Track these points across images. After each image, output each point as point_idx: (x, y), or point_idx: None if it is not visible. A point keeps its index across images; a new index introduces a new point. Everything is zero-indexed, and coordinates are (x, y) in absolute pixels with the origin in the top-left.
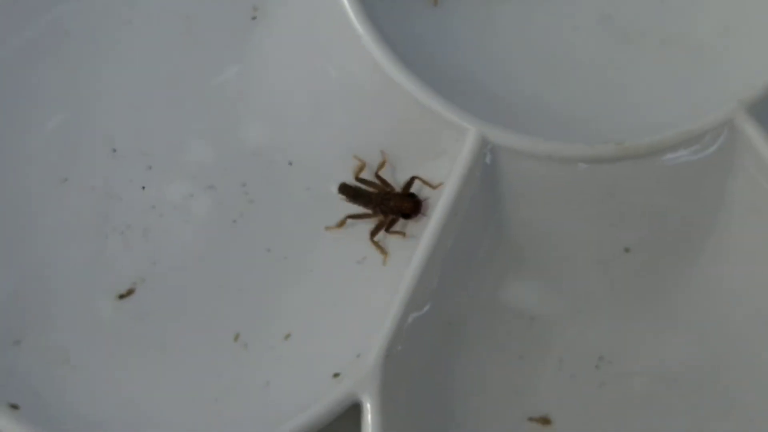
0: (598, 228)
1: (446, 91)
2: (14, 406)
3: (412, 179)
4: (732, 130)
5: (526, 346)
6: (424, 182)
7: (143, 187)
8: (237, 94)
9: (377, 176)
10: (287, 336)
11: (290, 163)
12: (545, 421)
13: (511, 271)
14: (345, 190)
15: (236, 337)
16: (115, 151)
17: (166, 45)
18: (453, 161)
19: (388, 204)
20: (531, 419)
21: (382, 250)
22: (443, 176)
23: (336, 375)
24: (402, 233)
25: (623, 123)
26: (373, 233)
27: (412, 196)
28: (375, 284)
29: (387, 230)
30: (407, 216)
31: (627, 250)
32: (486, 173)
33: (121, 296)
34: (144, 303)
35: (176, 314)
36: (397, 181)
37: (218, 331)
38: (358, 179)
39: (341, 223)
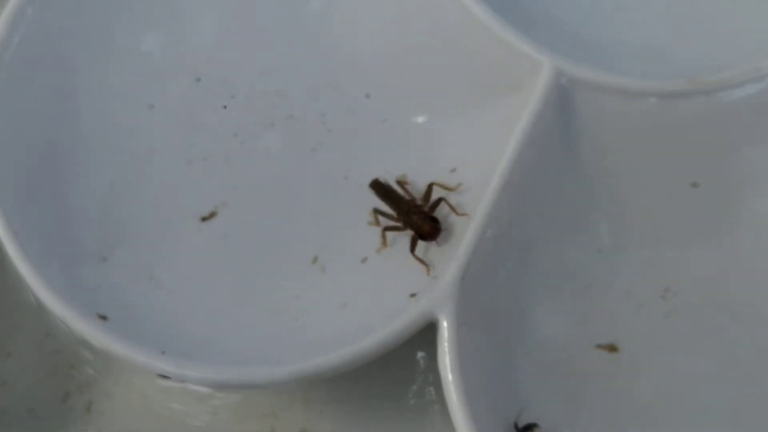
0: (666, 162)
1: (522, 26)
2: (103, 317)
3: (439, 200)
4: None
5: (594, 275)
6: (452, 207)
7: (226, 115)
8: (319, 27)
9: (403, 188)
10: (364, 260)
11: (367, 96)
12: (612, 348)
13: (581, 202)
14: (376, 186)
15: (314, 260)
16: (198, 80)
17: None
18: (526, 95)
19: (412, 217)
20: (599, 346)
21: (424, 262)
22: (519, 110)
23: (413, 295)
24: (425, 263)
25: (694, 60)
26: (411, 248)
27: (435, 220)
28: (449, 211)
29: (412, 251)
30: (422, 237)
31: (694, 185)
32: (560, 106)
33: (204, 219)
34: (225, 226)
35: (256, 237)
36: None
37: (297, 254)
38: (397, 182)
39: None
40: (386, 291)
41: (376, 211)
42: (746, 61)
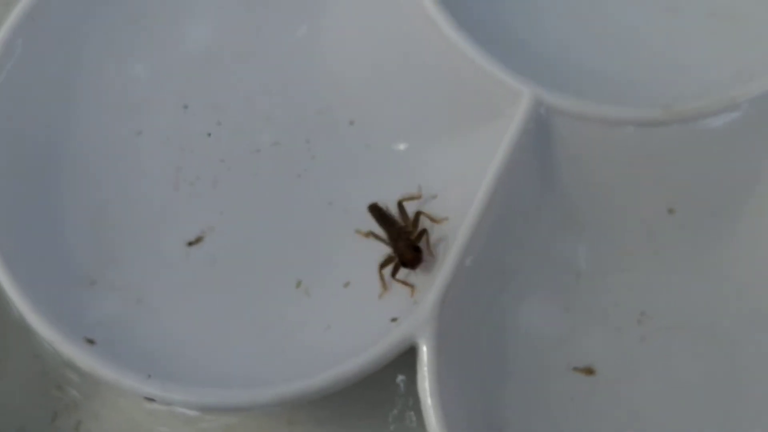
0: (644, 189)
1: (502, 56)
2: (90, 341)
3: (418, 214)
4: None
5: (572, 299)
6: (430, 218)
7: (213, 142)
8: (305, 54)
9: (400, 205)
10: (347, 284)
11: (351, 123)
12: (589, 371)
13: (560, 227)
14: (373, 210)
15: (298, 284)
16: (186, 107)
17: (238, 3)
18: (509, 123)
19: (398, 243)
20: (575, 369)
21: (407, 284)
22: (499, 137)
23: (394, 320)
24: (408, 284)
25: (670, 89)
26: (382, 265)
27: (418, 250)
28: (430, 237)
29: (393, 275)
30: (404, 264)
31: (671, 211)
32: (539, 134)
33: (190, 243)
34: (212, 250)
35: (242, 261)
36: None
37: (282, 278)
38: (399, 203)
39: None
40: (368, 315)
41: (372, 234)
42: (722, 89)
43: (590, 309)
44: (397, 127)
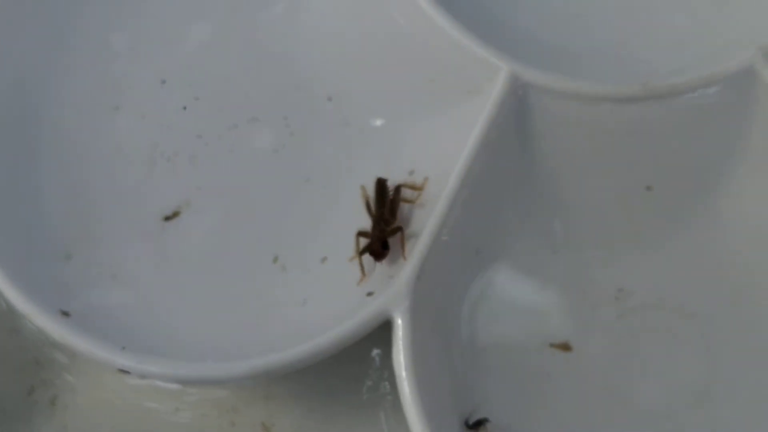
0: (621, 166)
1: (481, 32)
2: (65, 313)
3: (398, 188)
4: (751, 75)
5: (548, 275)
6: (411, 186)
7: (190, 117)
8: (282, 30)
9: (398, 189)
10: (323, 259)
11: (329, 99)
12: (566, 347)
13: (537, 203)
14: (378, 185)
15: (275, 260)
16: (164, 82)
17: None
18: (486, 100)
19: (374, 230)
20: (552, 345)
21: (362, 270)
22: (477, 114)
23: (369, 294)
24: (363, 268)
25: (648, 66)
26: (362, 251)
27: (385, 246)
28: (406, 212)
29: (360, 253)
30: (370, 251)
31: (649, 188)
32: (516, 110)
33: (167, 218)
34: (188, 225)
35: (219, 236)
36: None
37: (258, 254)
38: (397, 187)
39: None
40: (344, 290)
41: (367, 206)
42: (700, 66)
43: (567, 285)
44: (376, 104)
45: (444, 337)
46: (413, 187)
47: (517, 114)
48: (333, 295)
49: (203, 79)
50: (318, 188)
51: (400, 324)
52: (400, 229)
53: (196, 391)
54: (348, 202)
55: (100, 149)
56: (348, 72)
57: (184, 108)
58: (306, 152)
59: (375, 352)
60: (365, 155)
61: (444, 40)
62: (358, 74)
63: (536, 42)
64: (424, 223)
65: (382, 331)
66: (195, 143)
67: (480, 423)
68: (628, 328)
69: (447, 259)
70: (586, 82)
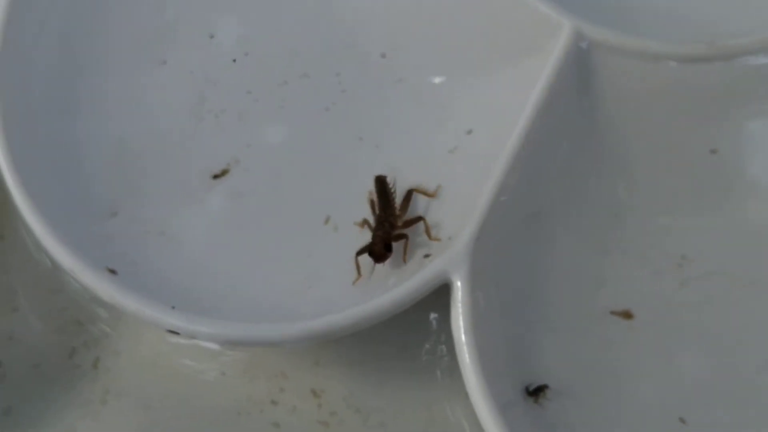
0: (685, 128)
1: None
2: (112, 271)
3: (410, 192)
4: None
5: (610, 240)
6: (423, 192)
7: (239, 73)
8: None
9: (409, 193)
10: None
11: (383, 56)
12: (627, 315)
13: (598, 166)
14: (377, 183)
15: (327, 220)
16: (212, 36)
17: None
18: (547, 57)
19: (378, 230)
20: (613, 312)
21: (358, 270)
22: (537, 72)
23: (426, 256)
24: (359, 269)
25: (716, 26)
26: (358, 252)
27: (388, 248)
28: (464, 174)
29: (357, 253)
30: (369, 252)
31: (713, 151)
32: (579, 69)
33: (216, 176)
34: (238, 183)
35: (269, 196)
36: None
37: (309, 214)
38: (409, 192)
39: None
40: (399, 251)
41: (366, 221)
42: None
43: (629, 251)
44: (431, 61)
45: (503, 301)
46: (425, 193)
47: (579, 72)
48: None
49: (253, 34)
50: (370, 147)
51: (459, 287)
52: (406, 237)
53: (243, 355)
54: (401, 162)
55: (145, 104)
56: (402, 28)
57: (234, 61)
58: (358, 110)
59: (432, 316)
60: (420, 114)
61: None
62: (413, 30)
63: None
64: (482, 184)
65: (439, 296)
66: (244, 99)
67: (540, 389)
68: (691, 296)
69: (506, 221)
70: (651, 40)
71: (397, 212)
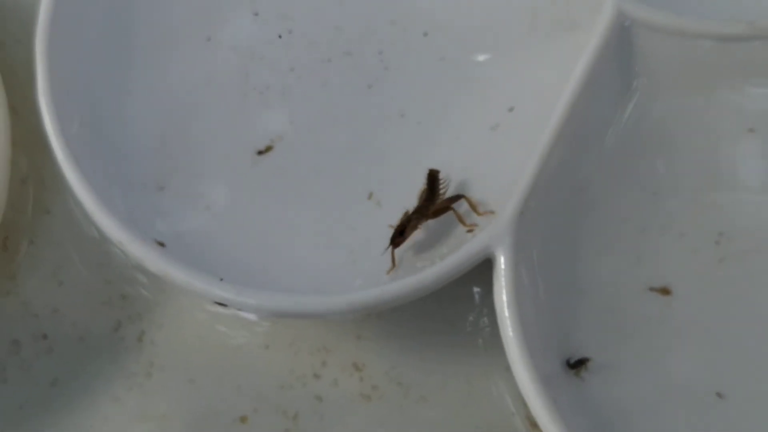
0: (724, 107)
1: None
2: (161, 244)
3: (448, 207)
4: None
5: (648, 219)
6: (472, 206)
7: (282, 50)
8: None
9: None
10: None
11: (425, 34)
12: (665, 291)
13: (637, 144)
14: (430, 175)
15: (370, 196)
16: (256, 14)
17: None
18: (586, 34)
19: (405, 217)
20: (652, 289)
21: (393, 261)
22: (579, 49)
23: (469, 231)
24: (393, 262)
25: (756, 5)
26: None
27: (401, 234)
28: (505, 151)
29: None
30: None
31: (751, 130)
32: (620, 46)
33: (260, 152)
34: (282, 159)
35: (313, 171)
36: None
37: (353, 189)
38: (447, 206)
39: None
40: (441, 226)
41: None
42: None
43: (667, 228)
44: (473, 39)
45: (545, 276)
46: (460, 220)
47: (620, 49)
48: (430, 232)
49: (296, 12)
50: (413, 124)
51: (502, 261)
52: (448, 209)
53: (286, 329)
54: (443, 139)
55: (191, 80)
56: (444, 6)
57: (280, 36)
58: (401, 88)
59: (475, 290)
60: (462, 91)
61: None
62: (455, 8)
63: None
64: (523, 161)
65: (481, 271)
66: (287, 76)
67: (581, 362)
68: (729, 273)
69: (549, 196)
70: (691, 19)
71: (429, 208)
